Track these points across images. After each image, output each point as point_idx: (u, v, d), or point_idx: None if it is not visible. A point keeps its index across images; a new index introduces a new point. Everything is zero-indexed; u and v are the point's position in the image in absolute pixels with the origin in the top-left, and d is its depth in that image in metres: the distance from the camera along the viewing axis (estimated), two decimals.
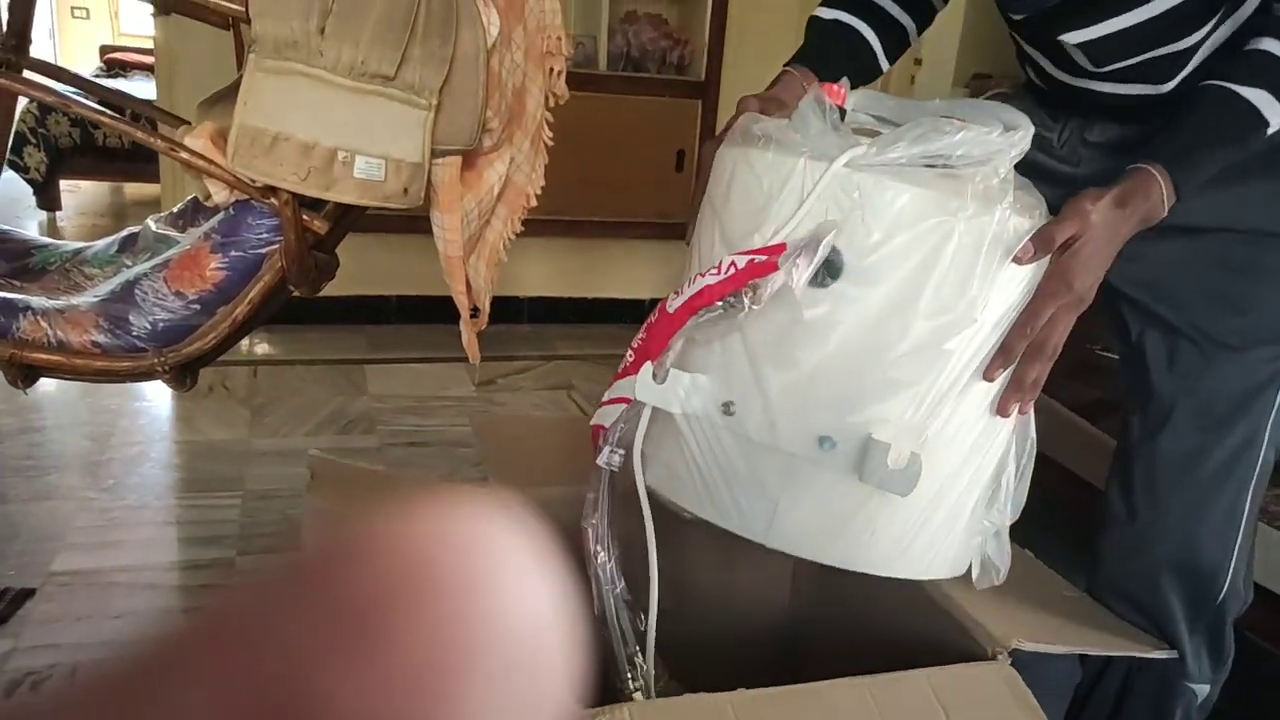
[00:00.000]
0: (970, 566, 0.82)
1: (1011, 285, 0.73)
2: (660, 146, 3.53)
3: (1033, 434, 0.80)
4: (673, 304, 0.74)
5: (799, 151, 0.71)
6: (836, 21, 1.00)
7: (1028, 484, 0.80)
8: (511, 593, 0.15)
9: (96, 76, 5.23)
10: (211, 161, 1.00)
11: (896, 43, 1.03)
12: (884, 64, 1.02)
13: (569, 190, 3.49)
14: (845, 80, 0.81)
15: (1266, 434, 0.98)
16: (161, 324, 1.09)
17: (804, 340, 0.70)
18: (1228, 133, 0.81)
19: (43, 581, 1.59)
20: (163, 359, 1.09)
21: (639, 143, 3.49)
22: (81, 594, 1.58)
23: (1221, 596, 1.02)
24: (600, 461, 0.78)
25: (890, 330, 0.70)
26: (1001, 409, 0.76)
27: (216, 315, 1.09)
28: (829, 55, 0.98)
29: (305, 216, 1.06)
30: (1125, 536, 1.04)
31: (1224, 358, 0.96)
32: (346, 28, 0.94)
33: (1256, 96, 0.80)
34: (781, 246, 0.69)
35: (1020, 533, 0.86)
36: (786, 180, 0.71)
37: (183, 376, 1.13)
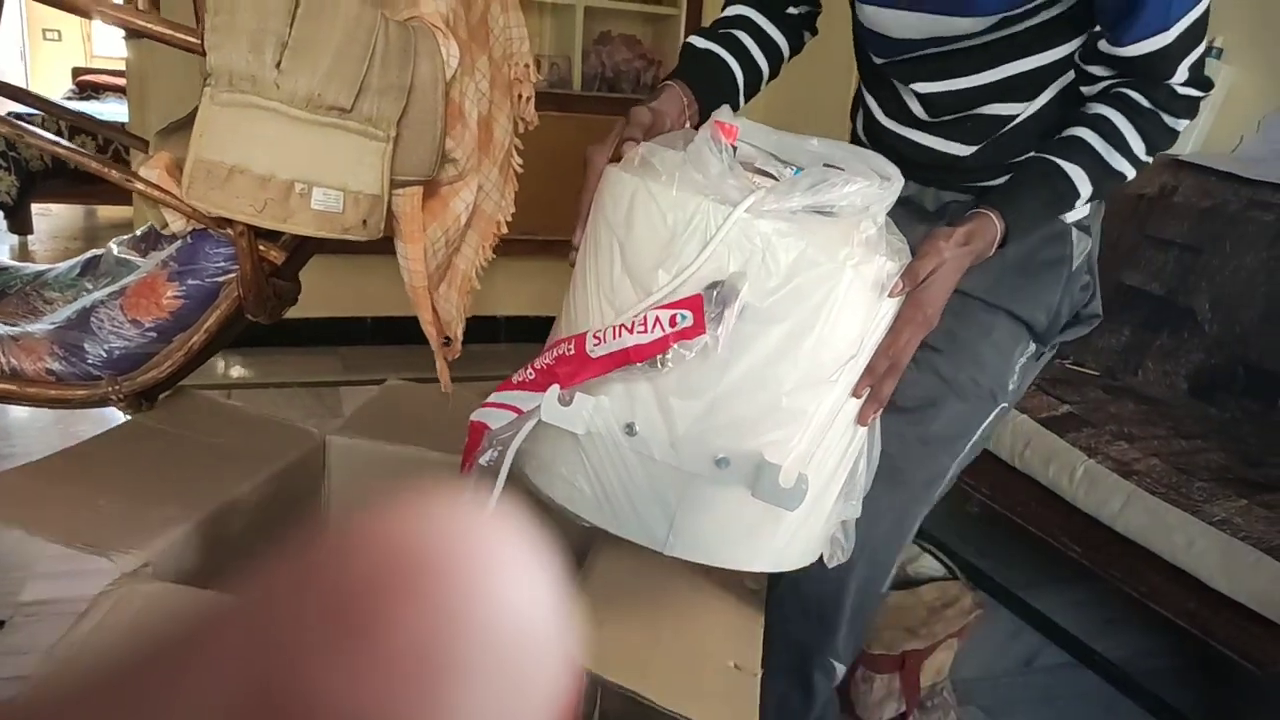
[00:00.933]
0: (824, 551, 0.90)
1: (881, 316, 0.82)
2: None
3: (877, 429, 0.89)
4: (594, 349, 0.77)
5: (702, 192, 0.76)
6: (709, 51, 1.07)
7: (873, 474, 0.90)
8: (503, 586, 0.15)
9: (68, 99, 5.20)
10: (167, 192, 1.00)
11: (754, 85, 1.11)
12: (742, 102, 1.10)
13: (544, 210, 3.49)
14: (739, 120, 0.86)
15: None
16: (118, 351, 1.08)
17: (707, 373, 0.76)
18: (1050, 196, 0.96)
19: (11, 613, 1.57)
20: (118, 387, 1.08)
21: None
22: (51, 624, 1.56)
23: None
24: (482, 461, 0.83)
25: (784, 364, 0.77)
26: (861, 419, 0.85)
27: (173, 343, 1.09)
28: (704, 80, 1.05)
29: (261, 246, 1.06)
30: None
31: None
32: (302, 60, 0.94)
33: (1073, 171, 0.95)
34: (699, 299, 0.74)
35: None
36: (690, 219, 0.75)
37: (138, 402, 1.13)
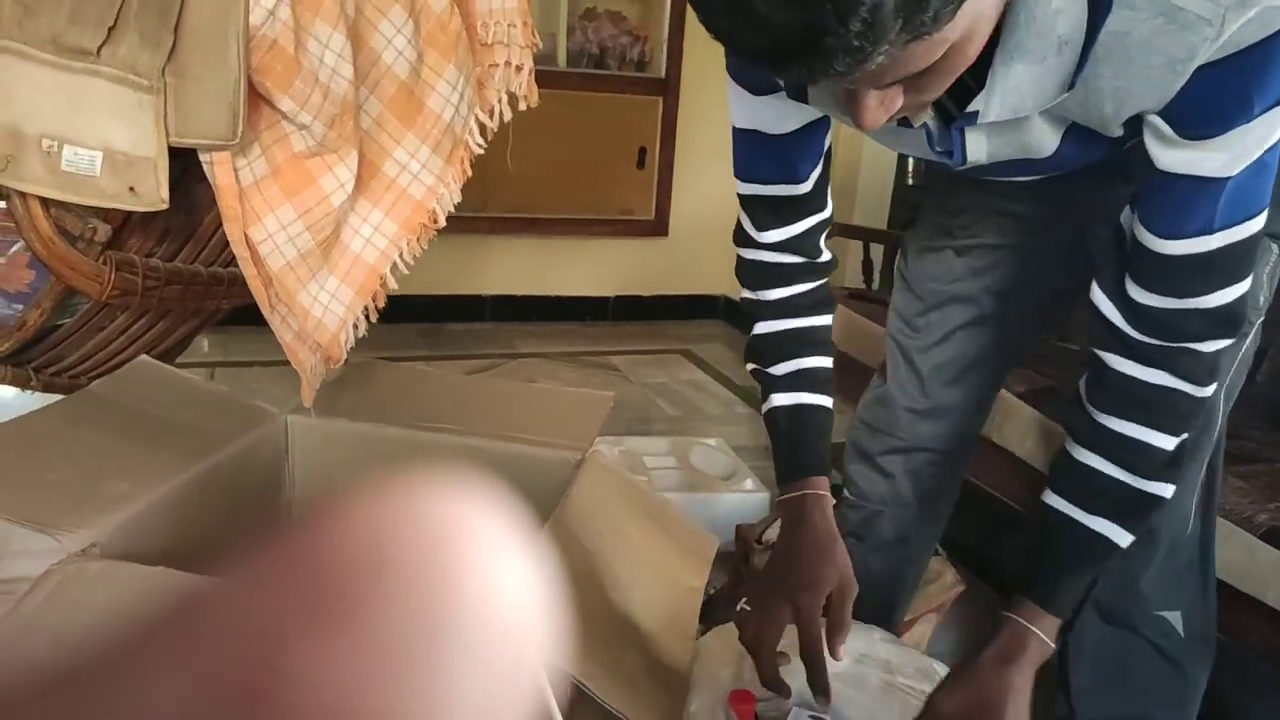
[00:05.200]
0: None
1: None
2: (621, 143, 3.52)
3: None
4: None
5: None
6: (799, 405, 1.03)
7: None
8: (487, 569, 0.14)
9: None
10: None
11: (829, 386, 1.06)
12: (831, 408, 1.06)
13: (530, 188, 3.47)
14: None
15: None
16: None
17: None
18: (1088, 561, 0.90)
19: None
20: None
21: (600, 140, 3.48)
22: None
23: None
24: None
25: None
26: None
27: (13, 322, 1.03)
28: (811, 444, 1.02)
29: (53, 213, 0.94)
30: None
31: None
32: None
33: (1103, 526, 0.88)
34: None
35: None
36: None
37: (24, 376, 1.07)
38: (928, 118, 0.81)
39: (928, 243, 1.26)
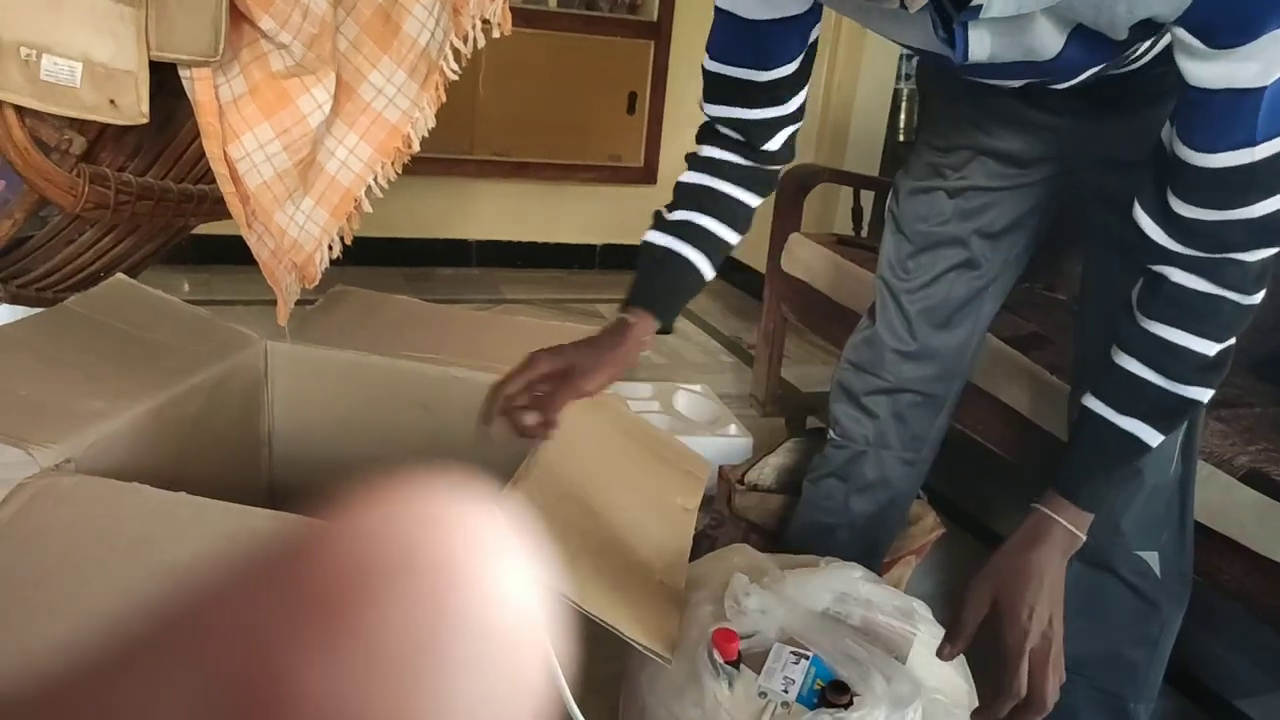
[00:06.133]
0: None
1: None
2: (612, 88, 3.47)
3: None
4: None
5: None
6: (669, 251, 1.02)
7: None
8: (488, 577, 0.14)
9: None
10: None
11: (720, 255, 1.05)
12: (709, 276, 1.05)
13: (518, 131, 3.42)
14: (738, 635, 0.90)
15: None
16: None
17: None
18: (1116, 459, 0.91)
19: None
20: None
21: (590, 84, 3.43)
22: None
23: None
24: None
25: None
26: None
27: None
28: (666, 296, 1.02)
29: (29, 122, 0.92)
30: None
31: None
32: None
33: (1134, 426, 0.89)
34: None
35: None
36: None
37: None
38: (920, 4, 0.79)
39: (919, 183, 1.25)
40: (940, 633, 1.10)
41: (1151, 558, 1.15)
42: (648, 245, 1.04)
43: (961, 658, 1.09)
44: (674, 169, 1.02)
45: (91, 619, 0.69)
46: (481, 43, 1.26)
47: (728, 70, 0.99)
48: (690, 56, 3.46)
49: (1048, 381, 1.53)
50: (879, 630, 1.04)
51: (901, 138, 3.14)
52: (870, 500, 1.35)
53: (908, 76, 3.10)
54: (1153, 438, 0.90)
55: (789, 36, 0.95)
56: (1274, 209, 0.79)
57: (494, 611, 0.14)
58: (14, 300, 1.05)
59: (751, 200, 1.05)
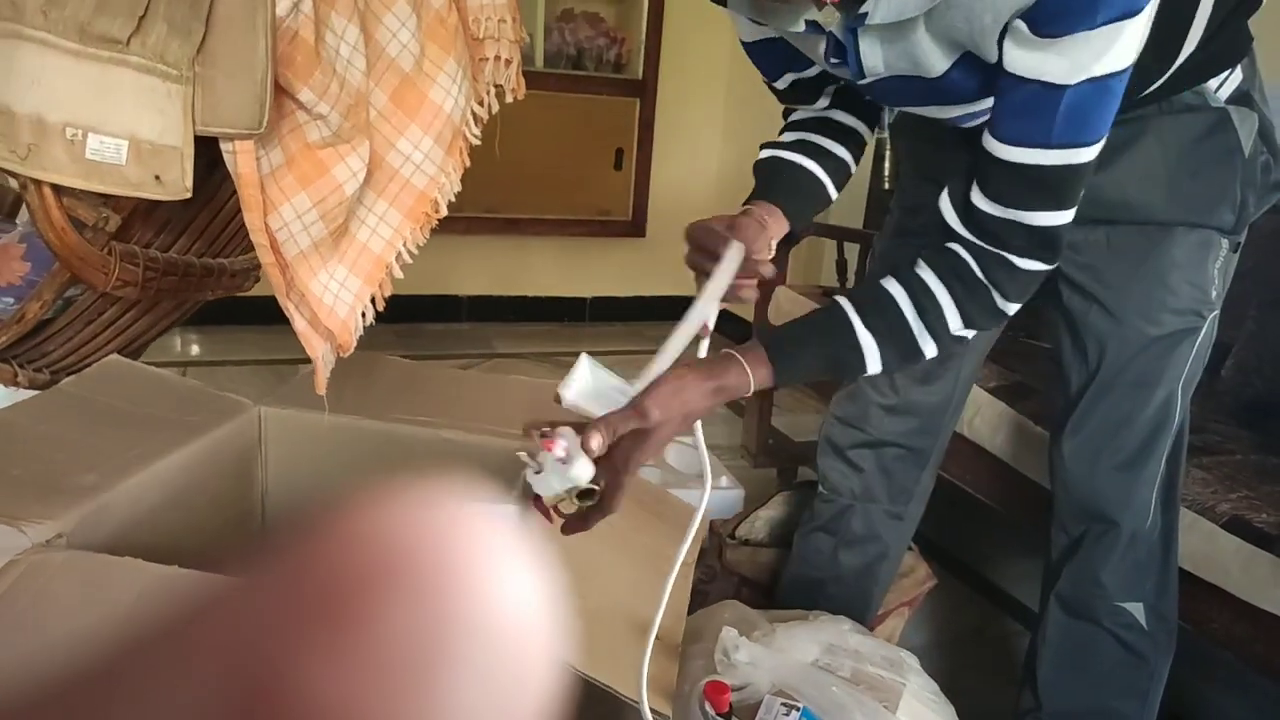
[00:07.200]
0: None
1: None
2: (599, 144, 3.53)
3: None
4: None
5: None
6: (783, 160, 1.05)
7: None
8: (493, 581, 0.14)
9: None
10: None
11: (840, 175, 1.08)
12: (833, 194, 1.08)
13: (508, 188, 3.47)
14: None
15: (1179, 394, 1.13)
16: None
17: None
18: (831, 353, 0.91)
19: None
20: None
21: (577, 141, 3.48)
22: None
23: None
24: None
25: None
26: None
27: (12, 313, 1.03)
28: (784, 189, 1.03)
29: (67, 202, 0.95)
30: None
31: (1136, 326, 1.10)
32: None
33: (864, 337, 0.90)
34: None
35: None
36: None
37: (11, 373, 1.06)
38: (834, 24, 0.85)
39: (891, 242, 1.29)
40: (929, 683, 1.10)
41: (1136, 609, 1.16)
42: (760, 162, 1.07)
43: (950, 707, 1.09)
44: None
45: None
46: (496, 108, 1.30)
47: (777, 84, 1.07)
48: (675, 113, 3.53)
49: (1033, 432, 1.55)
50: (868, 681, 1.04)
51: (887, 185, 3.18)
52: (859, 554, 1.36)
53: (890, 125, 3.15)
54: (870, 361, 0.91)
55: (771, 51, 1.02)
56: (1053, 224, 0.85)
57: (497, 613, 0.14)
58: (30, 384, 1.05)
59: (843, 152, 1.09)
